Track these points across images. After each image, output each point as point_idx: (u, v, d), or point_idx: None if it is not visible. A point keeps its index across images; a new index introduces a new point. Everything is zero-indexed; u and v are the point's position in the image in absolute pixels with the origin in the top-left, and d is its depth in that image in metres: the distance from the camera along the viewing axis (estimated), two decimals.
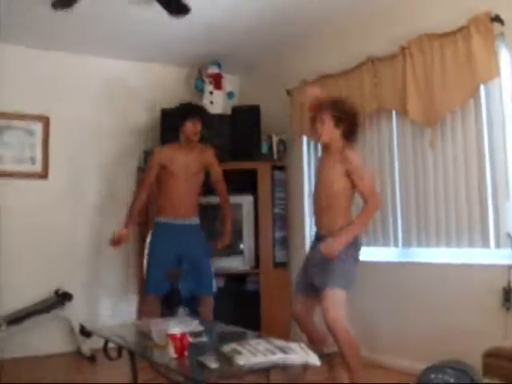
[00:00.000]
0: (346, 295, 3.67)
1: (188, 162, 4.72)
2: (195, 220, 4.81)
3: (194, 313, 4.48)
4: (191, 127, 4.69)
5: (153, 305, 4.67)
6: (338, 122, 3.80)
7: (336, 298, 3.62)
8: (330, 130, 3.82)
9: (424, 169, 4.49)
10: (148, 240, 4.78)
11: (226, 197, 4.99)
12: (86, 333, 5.21)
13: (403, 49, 4.47)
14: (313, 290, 3.82)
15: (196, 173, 4.77)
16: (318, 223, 3.97)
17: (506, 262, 3.85)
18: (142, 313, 4.86)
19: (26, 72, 5.57)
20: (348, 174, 3.75)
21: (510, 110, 3.94)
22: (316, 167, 4.28)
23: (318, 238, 3.91)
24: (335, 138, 3.84)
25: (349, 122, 3.83)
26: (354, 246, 3.78)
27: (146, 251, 4.75)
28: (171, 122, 5.85)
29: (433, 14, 4.36)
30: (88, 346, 5.25)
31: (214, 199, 5.10)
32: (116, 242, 4.59)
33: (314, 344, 3.77)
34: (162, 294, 4.68)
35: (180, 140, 4.77)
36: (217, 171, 4.93)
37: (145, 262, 4.76)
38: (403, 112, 4.53)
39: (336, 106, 3.84)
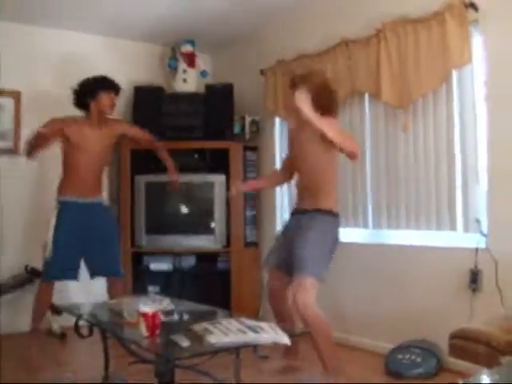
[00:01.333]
0: (318, 280, 3.64)
1: (97, 137, 4.48)
2: (101, 198, 4.65)
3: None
4: (107, 99, 4.49)
5: (50, 294, 4.47)
6: (314, 95, 3.67)
7: (307, 284, 3.59)
8: (308, 104, 3.64)
9: (395, 152, 4.54)
10: (52, 221, 4.43)
11: (151, 138, 4.91)
12: (56, 310, 5.18)
13: (378, 32, 4.48)
14: (287, 268, 3.81)
15: (104, 149, 4.55)
16: (301, 200, 3.96)
17: (473, 245, 3.92)
18: (39, 303, 4.47)
19: None
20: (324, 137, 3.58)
21: (480, 95, 3.99)
22: (290, 144, 4.21)
23: (299, 213, 3.91)
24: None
25: (324, 97, 3.76)
26: (331, 229, 3.79)
27: (50, 232, 4.39)
28: (144, 101, 5.87)
29: None
30: (58, 323, 5.24)
31: (196, 178, 5.09)
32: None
33: (282, 322, 3.73)
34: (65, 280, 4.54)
35: (91, 114, 4.50)
36: (134, 131, 4.87)
37: (49, 244, 4.37)
38: (376, 95, 4.56)
39: (311, 80, 3.79)
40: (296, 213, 3.98)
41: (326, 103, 3.76)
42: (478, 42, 3.99)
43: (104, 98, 4.48)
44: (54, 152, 5.58)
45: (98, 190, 4.60)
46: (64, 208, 4.45)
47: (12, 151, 5.57)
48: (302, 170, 3.93)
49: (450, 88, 4.16)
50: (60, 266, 4.35)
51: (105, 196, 4.77)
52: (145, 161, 5.74)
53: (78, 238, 4.40)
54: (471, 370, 3.05)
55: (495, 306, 3.63)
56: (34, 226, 5.58)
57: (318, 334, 3.57)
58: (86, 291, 5.49)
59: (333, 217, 3.83)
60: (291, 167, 4.18)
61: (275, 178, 4.63)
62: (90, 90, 4.49)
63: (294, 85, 3.82)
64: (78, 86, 4.59)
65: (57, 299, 5.18)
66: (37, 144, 4.30)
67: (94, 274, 4.54)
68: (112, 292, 4.53)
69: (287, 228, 4.04)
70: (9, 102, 5.58)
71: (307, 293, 3.57)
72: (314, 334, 3.56)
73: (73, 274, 4.45)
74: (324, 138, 3.57)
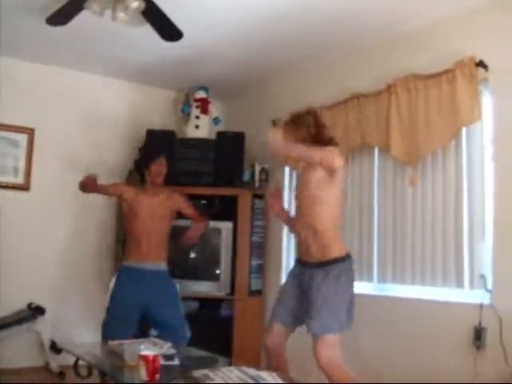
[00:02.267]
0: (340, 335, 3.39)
1: (154, 204, 4.61)
2: (162, 265, 4.66)
3: None
4: (156, 168, 4.61)
5: None
6: (302, 138, 3.55)
7: (329, 340, 3.34)
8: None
9: (403, 206, 4.55)
10: (111, 284, 4.58)
11: (198, 214, 4.91)
12: (56, 349, 5.16)
13: (389, 86, 4.54)
14: (292, 321, 3.58)
15: (163, 216, 4.64)
16: (305, 248, 3.56)
17: (478, 301, 3.90)
18: None
19: (13, 83, 5.56)
20: (327, 173, 3.40)
21: (489, 152, 4.02)
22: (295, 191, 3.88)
23: (306, 265, 3.54)
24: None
25: (310, 130, 3.58)
26: (346, 276, 3.44)
27: (109, 294, 4.53)
28: (156, 145, 5.93)
29: (420, 54, 4.46)
30: (58, 361, 5.21)
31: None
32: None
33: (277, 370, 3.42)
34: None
35: (146, 184, 4.69)
36: (190, 209, 4.85)
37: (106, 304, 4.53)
38: (386, 149, 4.59)
39: (293, 124, 3.66)
40: (302, 264, 3.61)
41: (320, 136, 3.58)
42: (487, 100, 4.04)
43: (154, 167, 4.62)
44: (65, 190, 5.65)
45: (157, 257, 4.62)
46: (122, 272, 4.59)
47: (23, 187, 5.62)
48: (302, 209, 3.60)
49: (459, 145, 4.19)
50: (111, 329, 4.39)
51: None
52: None
53: (135, 303, 4.43)
54: None
55: (499, 364, 3.60)
56: (40, 264, 5.60)
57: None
58: (87, 331, 5.49)
59: (343, 262, 3.47)
60: None
61: None
62: (142, 166, 4.71)
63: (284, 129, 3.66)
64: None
65: (57, 337, 5.18)
66: (83, 189, 4.54)
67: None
68: None
69: (294, 278, 3.67)
70: (22, 138, 5.64)
71: (333, 350, 3.34)
72: None
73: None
74: (315, 168, 3.41)
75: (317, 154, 3.36)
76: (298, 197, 3.69)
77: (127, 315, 4.40)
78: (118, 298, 4.47)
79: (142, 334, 4.36)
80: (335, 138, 3.67)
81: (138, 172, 4.80)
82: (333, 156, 3.33)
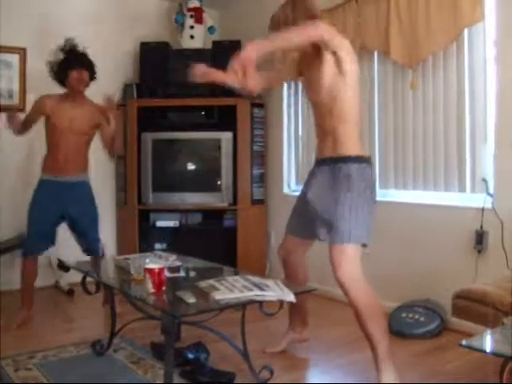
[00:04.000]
0: (361, 246, 3.06)
1: (74, 116, 4.38)
2: (82, 177, 4.50)
3: None
4: (76, 75, 4.34)
5: (34, 266, 4.43)
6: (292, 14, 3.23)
7: (349, 253, 3.00)
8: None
9: (404, 111, 4.51)
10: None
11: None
12: (63, 267, 5.25)
13: None
14: (310, 232, 3.33)
15: (83, 132, 4.44)
16: (319, 144, 3.27)
17: (479, 205, 3.92)
18: (23, 278, 4.43)
19: (3, 3, 5.40)
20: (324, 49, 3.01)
21: (491, 54, 3.93)
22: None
23: (320, 164, 3.24)
24: None
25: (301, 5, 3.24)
26: (367, 185, 3.06)
27: (28, 209, 4.43)
28: (150, 57, 5.83)
29: None
30: (66, 280, 5.31)
31: (203, 135, 5.08)
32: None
33: (293, 279, 3.48)
34: (40, 253, 4.48)
35: (67, 92, 4.43)
36: (106, 129, 4.50)
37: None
38: (385, 52, 4.51)
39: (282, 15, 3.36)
40: (317, 164, 3.29)
41: (304, 10, 3.21)
42: (489, 0, 3.91)
43: (73, 74, 4.35)
44: None
45: (75, 170, 4.46)
46: (39, 186, 4.45)
47: (18, 109, 5.55)
48: (315, 107, 3.26)
49: (461, 46, 4.10)
50: (33, 241, 4.38)
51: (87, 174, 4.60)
52: (152, 118, 5.73)
53: (53, 215, 4.37)
54: (474, 331, 3.08)
55: (500, 267, 3.64)
56: None
57: (368, 312, 2.99)
58: None
59: (360, 163, 3.08)
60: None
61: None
62: (61, 70, 4.40)
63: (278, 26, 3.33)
64: (50, 63, 4.49)
65: (64, 256, 5.26)
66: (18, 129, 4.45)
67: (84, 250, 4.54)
68: None
69: (309, 184, 3.35)
70: (14, 59, 5.52)
71: (352, 262, 2.99)
72: (361, 314, 2.99)
73: (45, 247, 4.47)
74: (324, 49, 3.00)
75: (300, 32, 2.95)
76: (309, 98, 3.34)
77: (46, 221, 4.36)
78: (35, 212, 4.37)
79: None
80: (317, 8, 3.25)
81: (56, 77, 4.45)
82: (316, 28, 2.95)
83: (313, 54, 3.14)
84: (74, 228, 4.49)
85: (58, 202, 4.36)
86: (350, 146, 3.09)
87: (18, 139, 4.76)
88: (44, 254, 4.62)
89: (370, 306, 3.01)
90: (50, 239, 4.43)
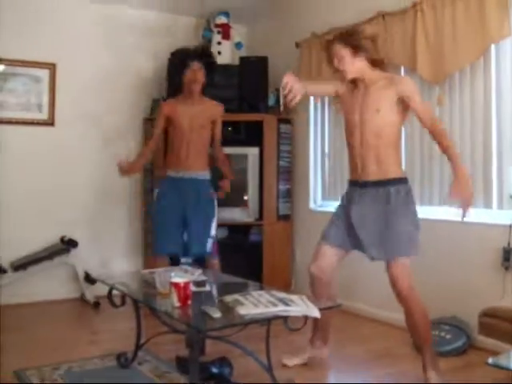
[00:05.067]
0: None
1: (193, 113, 4.50)
2: (203, 175, 4.61)
3: None
4: (190, 75, 4.44)
5: (163, 265, 4.41)
6: (355, 50, 3.39)
7: (405, 266, 3.32)
8: (351, 62, 3.41)
9: None
10: (155, 192, 4.71)
11: (222, 152, 4.76)
12: (90, 280, 5.31)
13: (415, 4, 4.41)
14: (345, 242, 3.51)
15: (203, 125, 4.54)
16: (359, 170, 3.44)
17: (507, 222, 3.87)
18: None
19: (33, 18, 5.51)
20: (402, 100, 3.32)
21: None
22: (345, 108, 3.60)
23: (361, 187, 3.43)
24: (362, 68, 3.43)
25: (368, 48, 3.43)
26: (412, 200, 3.40)
27: (154, 206, 4.68)
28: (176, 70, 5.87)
29: None
30: (92, 293, 5.36)
31: (230, 150, 5.19)
32: (125, 170, 4.50)
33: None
34: (171, 254, 4.58)
35: (183, 92, 4.55)
36: (218, 131, 4.69)
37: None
38: (412, 68, 4.50)
39: (347, 35, 3.47)
40: (359, 185, 3.46)
41: (372, 53, 3.45)
42: None
43: (187, 73, 4.47)
44: (93, 123, 5.69)
45: (196, 166, 4.57)
46: (163, 183, 4.65)
47: (47, 123, 5.64)
48: (365, 132, 3.39)
49: (488, 62, 4.07)
50: (162, 241, 4.53)
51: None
52: None
53: (177, 210, 4.51)
54: (501, 349, 3.05)
55: None
56: (70, 198, 5.68)
57: (421, 318, 3.34)
58: (121, 262, 5.62)
59: (407, 184, 3.43)
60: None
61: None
62: (176, 67, 4.57)
63: (330, 48, 3.49)
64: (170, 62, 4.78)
65: (91, 269, 5.32)
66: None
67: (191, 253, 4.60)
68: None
69: (350, 202, 3.50)
70: (44, 74, 5.62)
71: (410, 275, 3.33)
72: (415, 319, 3.34)
73: (175, 248, 4.54)
74: (402, 100, 3.33)
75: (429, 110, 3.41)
76: (355, 121, 3.46)
77: (173, 225, 4.49)
78: (162, 209, 4.54)
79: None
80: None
81: (173, 82, 4.63)
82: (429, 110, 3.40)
83: (373, 78, 3.43)
84: (188, 222, 4.53)
85: (181, 198, 4.49)
86: (397, 168, 3.43)
87: None
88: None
89: (422, 314, 3.33)
90: (176, 240, 4.50)
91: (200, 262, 4.54)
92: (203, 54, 4.65)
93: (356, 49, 3.40)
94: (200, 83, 4.51)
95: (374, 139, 3.36)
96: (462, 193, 3.11)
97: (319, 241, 3.58)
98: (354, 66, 3.42)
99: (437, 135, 3.29)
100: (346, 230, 3.50)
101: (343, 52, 3.41)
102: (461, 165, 3.19)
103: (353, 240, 3.48)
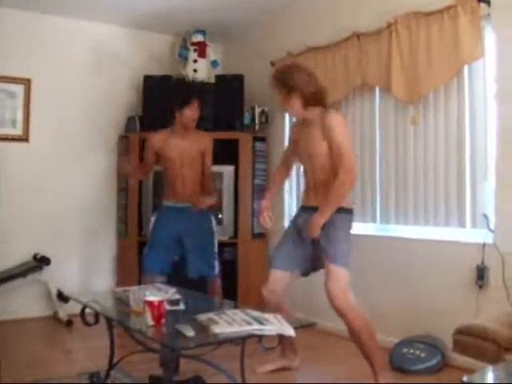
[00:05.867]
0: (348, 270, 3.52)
1: (184, 148, 4.59)
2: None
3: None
4: (189, 114, 4.53)
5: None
6: (289, 90, 3.48)
7: (340, 274, 3.48)
8: (288, 102, 3.54)
9: (405, 146, 4.52)
10: (152, 220, 4.74)
11: (211, 181, 4.85)
12: (63, 298, 5.24)
13: (389, 25, 4.46)
14: (292, 265, 3.70)
15: (194, 158, 4.65)
16: (313, 196, 3.69)
17: (480, 240, 3.91)
18: None
19: (8, 33, 5.49)
20: (325, 136, 3.46)
21: (492, 90, 3.97)
22: (294, 139, 3.85)
23: (312, 210, 3.58)
24: (298, 108, 3.54)
25: (303, 90, 3.47)
26: (350, 226, 3.62)
27: (149, 230, 4.74)
28: (153, 90, 5.86)
29: None
30: (65, 311, 5.29)
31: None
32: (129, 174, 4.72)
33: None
34: (161, 274, 4.56)
35: (175, 126, 4.63)
36: (208, 161, 4.76)
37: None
38: (387, 88, 4.54)
39: (281, 73, 3.58)
40: (308, 209, 3.67)
41: (315, 98, 3.54)
42: (490, 37, 3.96)
43: (186, 113, 4.53)
44: (68, 140, 5.66)
45: (193, 197, 4.63)
46: (161, 210, 4.75)
47: (22, 139, 5.59)
48: (312, 167, 3.65)
49: (462, 83, 4.13)
50: (152, 261, 4.60)
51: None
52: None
53: (173, 239, 4.60)
54: (475, 366, 3.05)
55: (501, 303, 3.62)
56: (43, 214, 5.63)
57: (363, 331, 3.48)
58: (93, 279, 5.55)
59: (349, 214, 3.63)
60: (291, 161, 4.07)
61: (281, 180, 4.33)
62: (174, 106, 4.59)
63: (279, 86, 3.58)
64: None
65: (64, 287, 5.25)
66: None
67: (192, 274, 4.65)
68: (208, 291, 4.65)
69: (298, 225, 3.75)
70: (19, 90, 5.58)
71: (343, 284, 3.47)
72: (357, 333, 3.48)
73: (163, 268, 4.60)
74: (325, 136, 3.48)
75: (345, 186, 3.44)
76: (303, 154, 3.71)
77: (165, 245, 4.59)
78: (156, 231, 4.64)
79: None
80: (325, 90, 3.65)
81: (171, 111, 4.66)
82: (352, 170, 3.44)
83: (314, 119, 3.54)
84: (186, 250, 4.63)
85: (177, 225, 4.58)
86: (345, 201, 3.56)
87: None
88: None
89: (359, 320, 3.47)
90: (166, 261, 4.63)
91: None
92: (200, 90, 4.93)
93: (290, 88, 3.48)
94: (196, 120, 4.61)
95: (320, 174, 3.59)
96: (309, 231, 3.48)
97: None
98: (294, 107, 3.55)
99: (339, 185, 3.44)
100: (293, 248, 3.70)
101: (282, 92, 3.53)
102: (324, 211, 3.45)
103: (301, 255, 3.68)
